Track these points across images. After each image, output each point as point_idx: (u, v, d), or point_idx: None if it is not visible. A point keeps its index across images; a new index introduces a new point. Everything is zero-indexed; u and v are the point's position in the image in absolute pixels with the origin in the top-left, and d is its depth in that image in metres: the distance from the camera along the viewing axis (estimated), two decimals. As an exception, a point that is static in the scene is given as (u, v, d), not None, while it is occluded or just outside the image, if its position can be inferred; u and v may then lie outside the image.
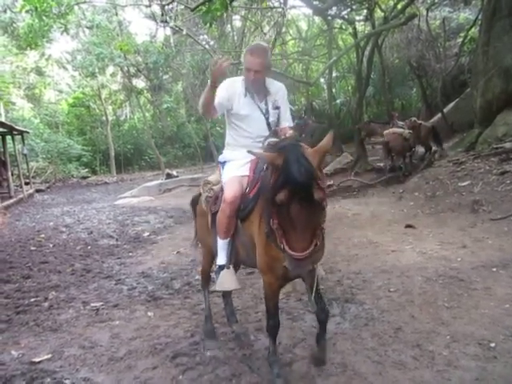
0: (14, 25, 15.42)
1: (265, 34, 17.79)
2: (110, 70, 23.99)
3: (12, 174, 14.64)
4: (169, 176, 16.15)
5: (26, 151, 16.19)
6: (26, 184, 15.63)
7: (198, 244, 3.62)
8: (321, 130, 18.12)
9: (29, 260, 6.12)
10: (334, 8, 10.26)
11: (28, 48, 13.08)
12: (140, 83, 24.95)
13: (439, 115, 15.05)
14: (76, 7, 10.10)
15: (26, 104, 27.93)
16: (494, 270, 4.22)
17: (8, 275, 5.32)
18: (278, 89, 2.91)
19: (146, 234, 7.73)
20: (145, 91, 24.36)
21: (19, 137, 16.10)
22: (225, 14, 7.22)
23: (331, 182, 11.69)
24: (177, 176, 16.29)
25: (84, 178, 21.95)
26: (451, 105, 15.66)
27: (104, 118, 24.03)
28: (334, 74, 18.92)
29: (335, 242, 6.04)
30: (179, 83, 23.77)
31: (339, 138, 16.90)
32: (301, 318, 3.53)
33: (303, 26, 21.57)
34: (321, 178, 1.85)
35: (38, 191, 16.20)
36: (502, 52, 9.38)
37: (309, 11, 17.14)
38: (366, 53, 13.06)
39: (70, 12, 8.31)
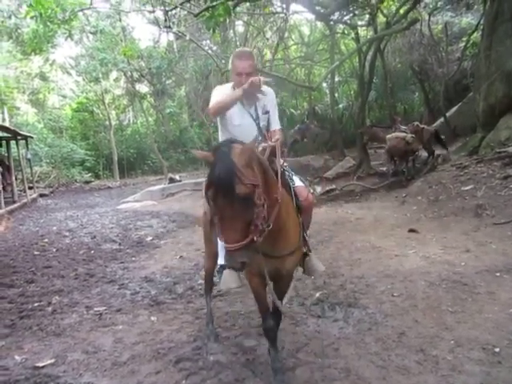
0: (19, 31, 15.56)
1: (267, 39, 17.90)
2: (114, 75, 24.12)
3: (16, 179, 14.69)
4: (172, 180, 16.15)
5: (29, 156, 16.29)
6: (30, 188, 15.69)
7: None
8: (323, 135, 18.23)
9: (32, 264, 6.13)
10: (337, 13, 10.31)
11: (32, 53, 13.20)
12: (143, 88, 25.05)
13: (442, 119, 15.06)
14: (80, 13, 10.17)
15: (30, 109, 28.11)
16: (498, 274, 4.21)
17: (11, 280, 5.33)
18: (269, 94, 2.93)
19: (149, 238, 7.74)
20: (148, 96, 24.45)
21: (23, 142, 16.20)
22: (227, 20, 7.26)
23: (333, 187, 11.70)
24: (180, 180, 16.29)
25: (87, 182, 22.01)
26: (454, 109, 15.66)
27: (107, 122, 24.11)
28: (336, 79, 18.97)
29: (338, 246, 6.04)
30: (182, 88, 23.87)
31: (341, 143, 16.94)
32: (304, 323, 3.53)
33: (305, 31, 21.66)
34: (245, 174, 1.92)
35: (41, 196, 16.24)
36: (504, 56, 9.40)
37: (311, 16, 17.25)
38: (369, 57, 13.10)
39: (74, 18, 8.38)
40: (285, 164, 2.77)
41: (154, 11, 10.20)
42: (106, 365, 3.02)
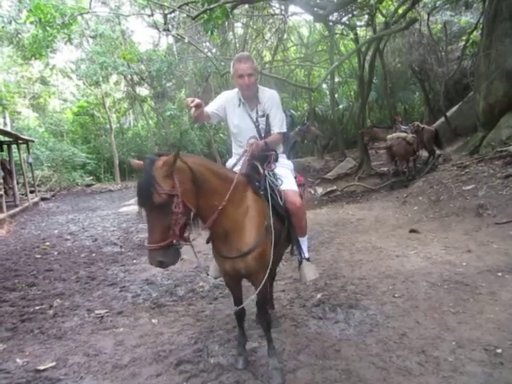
0: (19, 36, 15.59)
1: (266, 40, 17.92)
2: (114, 78, 24.15)
3: (17, 183, 14.72)
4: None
5: (31, 160, 16.31)
6: (31, 192, 15.70)
7: None
8: (323, 136, 18.22)
9: (34, 268, 6.14)
10: (335, 14, 10.32)
11: (33, 58, 13.20)
12: (143, 91, 25.10)
13: (442, 119, 15.05)
14: (80, 17, 10.19)
15: (31, 113, 28.19)
16: (500, 274, 4.20)
17: (13, 283, 5.33)
18: (268, 96, 2.98)
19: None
20: (148, 99, 24.49)
21: (24, 146, 16.23)
22: (226, 22, 7.28)
23: (334, 187, 11.70)
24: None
25: (88, 185, 22.04)
26: (454, 108, 15.66)
27: (108, 126, 24.16)
28: (336, 80, 18.98)
29: (339, 247, 6.04)
30: (182, 90, 23.87)
31: (342, 143, 16.94)
32: (305, 325, 3.52)
33: (305, 32, 21.67)
34: (161, 185, 2.08)
35: (43, 199, 16.27)
36: (504, 55, 9.39)
37: (310, 17, 17.25)
38: (368, 58, 13.11)
39: (73, 22, 8.40)
40: (272, 168, 2.89)
41: (152, 14, 10.22)
42: (107, 368, 3.02)
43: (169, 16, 9.19)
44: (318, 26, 18.74)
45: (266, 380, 2.72)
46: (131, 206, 12.92)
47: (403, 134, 10.67)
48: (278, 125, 2.99)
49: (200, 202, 2.31)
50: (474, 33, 14.15)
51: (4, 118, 26.80)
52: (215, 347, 3.21)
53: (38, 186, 18.24)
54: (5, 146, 15.03)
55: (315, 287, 4.40)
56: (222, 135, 22.67)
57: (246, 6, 11.33)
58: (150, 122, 25.23)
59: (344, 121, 20.07)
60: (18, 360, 3.20)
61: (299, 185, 3.24)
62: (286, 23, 16.32)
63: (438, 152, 11.37)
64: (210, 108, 2.95)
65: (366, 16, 12.18)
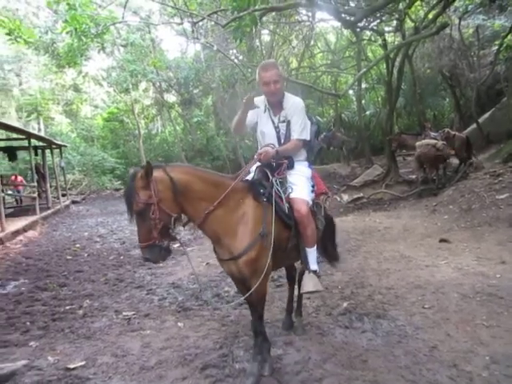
0: (55, 45, 16.24)
1: (293, 47, 17.96)
2: (143, 85, 24.75)
3: (50, 186, 15.24)
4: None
5: (63, 164, 16.89)
6: (63, 195, 16.23)
7: None
8: (349, 142, 18.03)
9: (65, 269, 6.33)
10: (363, 20, 10.22)
11: (67, 66, 13.70)
12: (171, 98, 25.59)
13: (474, 125, 14.63)
14: (112, 27, 10.52)
15: (63, 119, 29.21)
16: (536, 287, 4.03)
17: (45, 283, 5.51)
18: (291, 103, 2.99)
19: (176, 245, 7.82)
20: (176, 105, 24.93)
21: (57, 150, 16.82)
22: (254, 29, 7.34)
23: (361, 195, 11.54)
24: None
25: (117, 189, 22.53)
26: (487, 115, 15.19)
27: (136, 131, 24.70)
28: (363, 86, 18.78)
29: (366, 255, 5.94)
30: (209, 97, 24.20)
31: (369, 150, 16.72)
32: (331, 333, 3.47)
33: (332, 38, 21.60)
34: (139, 195, 2.37)
35: (73, 202, 16.77)
36: (540, 60, 9.06)
37: (337, 24, 17.19)
38: (396, 63, 12.92)
39: (106, 32, 8.69)
40: (283, 175, 2.91)
41: (182, 23, 10.41)
42: (134, 369, 3.07)
43: (197, 24, 9.33)
44: (345, 32, 18.63)
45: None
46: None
47: (433, 141, 10.41)
48: (298, 131, 2.97)
49: (187, 208, 2.55)
50: (509, 37, 13.72)
51: (38, 123, 27.88)
52: (240, 353, 3.21)
53: (69, 189, 18.83)
54: (39, 151, 15.61)
55: (341, 295, 4.34)
56: (247, 141, 22.78)
57: (274, 13, 11.39)
58: (177, 127, 25.63)
59: (371, 127, 19.81)
60: (49, 358, 3.30)
61: (321, 193, 3.19)
62: (313, 30, 16.35)
63: (473, 159, 11.01)
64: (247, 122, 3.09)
65: (395, 21, 12.03)
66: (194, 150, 24.60)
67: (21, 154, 17.24)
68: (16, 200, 15.36)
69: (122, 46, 20.17)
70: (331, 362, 2.99)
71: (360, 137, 18.14)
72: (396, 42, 15.14)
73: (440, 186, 10.27)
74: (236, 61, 14.99)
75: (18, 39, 8.82)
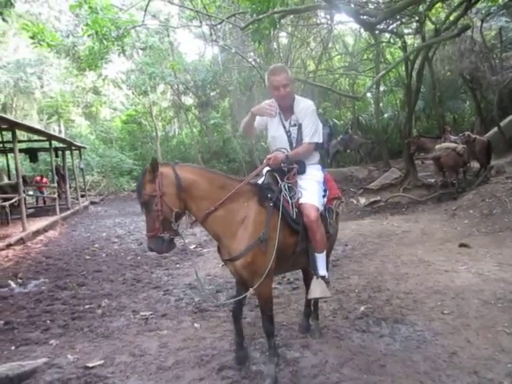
0: (76, 48, 16.61)
1: (311, 49, 17.93)
2: (161, 88, 25.06)
3: (69, 187, 15.54)
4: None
5: (82, 165, 17.20)
6: (82, 196, 16.53)
7: None
8: (366, 145, 17.89)
9: (84, 268, 6.44)
10: (383, 22, 10.13)
11: (87, 69, 13.98)
12: (188, 100, 25.83)
13: (495, 129, 14.33)
14: (131, 30, 10.69)
15: (83, 121, 29.79)
16: (561, 294, 3.91)
17: (65, 282, 5.62)
18: (302, 107, 2.95)
19: (193, 246, 7.89)
20: (193, 108, 25.15)
21: (77, 152, 17.15)
22: (272, 32, 7.36)
23: (378, 198, 11.41)
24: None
25: (134, 191, 22.80)
26: (508, 118, 14.86)
27: (154, 133, 24.99)
28: (381, 88, 18.60)
29: (383, 259, 5.87)
30: (226, 99, 24.35)
31: (387, 153, 16.54)
32: (348, 337, 3.44)
33: (350, 40, 21.48)
34: (146, 188, 2.60)
35: (92, 203, 17.05)
36: None
37: (356, 26, 17.10)
38: (416, 66, 12.76)
39: (127, 35, 8.84)
40: (292, 180, 2.89)
41: (200, 26, 10.51)
42: (152, 368, 3.10)
43: (216, 27, 9.40)
44: (364, 34, 18.52)
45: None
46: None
47: (453, 145, 10.24)
48: (309, 135, 2.93)
49: (190, 205, 2.67)
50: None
51: (59, 125, 28.49)
52: (257, 354, 3.20)
53: (88, 190, 19.16)
54: (59, 152, 15.94)
55: (358, 299, 4.29)
56: (263, 144, 22.80)
57: (292, 15, 11.40)
58: (194, 130, 25.84)
59: (389, 130, 19.60)
60: (69, 356, 3.36)
61: (334, 198, 3.14)
62: (331, 32, 16.30)
63: (491, 164, 10.79)
64: (256, 125, 3.13)
65: (415, 23, 11.89)
66: (210, 152, 24.76)
67: (41, 156, 17.66)
68: (36, 200, 15.65)
69: (141, 49, 20.46)
70: (348, 366, 2.96)
71: (377, 140, 17.97)
72: (416, 45, 14.96)
73: (460, 190, 10.08)
74: (253, 63, 15.04)
75: (41, 42, 9.03)
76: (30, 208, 13.26)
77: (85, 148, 18.39)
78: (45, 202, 15.12)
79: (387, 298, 4.27)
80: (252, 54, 18.56)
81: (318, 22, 14.88)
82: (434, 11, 12.25)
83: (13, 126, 9.73)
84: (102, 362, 3.23)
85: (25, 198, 10.68)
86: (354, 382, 2.75)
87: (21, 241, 8.47)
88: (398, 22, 11.64)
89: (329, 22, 14.88)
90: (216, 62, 20.33)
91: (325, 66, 18.86)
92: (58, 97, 26.84)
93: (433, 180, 11.62)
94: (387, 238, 7.39)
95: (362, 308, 4.01)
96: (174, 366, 3.11)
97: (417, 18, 10.26)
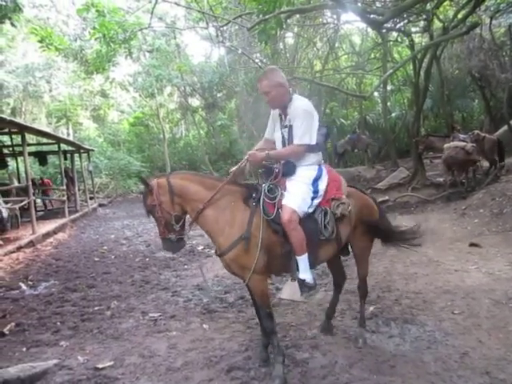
0: (83, 52, 16.75)
1: (318, 49, 17.89)
2: (168, 90, 25.17)
3: (78, 190, 15.65)
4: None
5: (91, 168, 17.32)
6: (91, 199, 16.65)
7: None
8: (374, 144, 17.78)
9: (93, 270, 6.48)
10: (390, 21, 10.06)
11: (95, 72, 14.10)
12: (195, 102, 25.92)
13: (505, 127, 14.15)
14: (138, 33, 10.76)
15: (91, 124, 30.01)
16: None
17: (75, 284, 5.66)
18: (296, 107, 2.93)
19: (201, 247, 7.91)
20: (199, 109, 25.23)
21: (85, 154, 17.28)
22: (278, 32, 7.35)
23: (386, 198, 11.33)
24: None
25: (142, 193, 22.92)
26: (519, 116, 14.66)
27: (161, 135, 25.09)
28: (388, 87, 18.49)
29: (392, 259, 5.83)
30: (233, 101, 24.38)
31: (394, 153, 16.43)
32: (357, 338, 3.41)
33: (357, 40, 21.39)
34: (147, 198, 2.94)
35: (100, 205, 17.16)
36: None
37: (362, 25, 17.02)
38: (424, 64, 12.66)
39: (134, 37, 8.90)
40: (272, 182, 2.93)
41: (207, 27, 10.54)
42: (161, 370, 3.10)
43: (222, 28, 9.41)
44: (371, 33, 18.43)
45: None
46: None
47: (462, 144, 10.12)
48: (298, 136, 2.89)
49: (186, 207, 2.92)
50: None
51: (67, 128, 28.77)
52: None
53: (96, 192, 19.28)
54: (68, 155, 16.06)
55: (367, 299, 4.22)
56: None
57: (298, 15, 11.38)
58: (201, 131, 25.91)
59: (396, 129, 19.48)
60: (79, 357, 3.38)
61: (332, 199, 2.98)
62: (337, 32, 16.24)
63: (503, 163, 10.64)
64: (267, 134, 3.26)
65: (422, 22, 11.80)
66: (217, 153, 24.82)
67: (51, 159, 17.81)
68: (44, 203, 15.61)
69: (147, 51, 20.58)
70: (358, 366, 2.95)
71: (385, 139, 17.86)
72: (423, 43, 14.85)
73: (469, 189, 9.97)
74: (260, 64, 15.03)
75: (50, 46, 9.12)
76: (39, 211, 13.36)
77: (93, 150, 18.52)
78: (52, 205, 15.10)
79: (396, 298, 4.24)
80: (258, 54, 18.57)
81: (325, 21, 14.83)
82: (441, 9, 12.12)
83: (22, 129, 9.83)
84: (111, 363, 3.24)
85: (34, 201, 10.78)
86: (363, 383, 2.73)
87: (31, 243, 8.55)
88: (406, 21, 11.55)
89: (335, 22, 14.83)
90: (222, 64, 20.36)
91: (331, 66, 18.78)
92: (67, 100, 27.10)
93: (442, 179, 11.51)
94: (396, 237, 7.32)
95: (371, 308, 3.99)
96: (183, 367, 3.11)
97: (424, 16, 10.17)
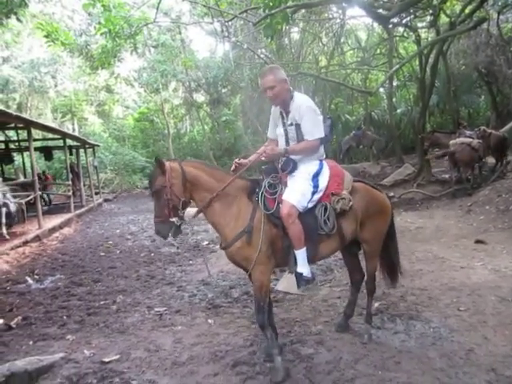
0: (88, 47, 16.76)
1: (323, 44, 17.79)
2: (173, 85, 25.15)
3: (84, 185, 15.70)
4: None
5: (96, 163, 17.36)
6: (96, 194, 16.70)
7: None
8: (379, 141, 17.70)
9: (98, 265, 6.51)
10: (397, 16, 9.98)
11: (100, 68, 14.09)
12: (200, 97, 25.89)
13: (511, 123, 14.03)
14: (143, 28, 10.74)
15: (96, 119, 30.07)
16: None
17: (80, 279, 5.70)
18: (299, 105, 2.95)
19: (205, 242, 7.93)
20: (204, 105, 25.21)
21: (90, 150, 17.33)
22: (284, 27, 7.33)
23: (391, 194, 11.29)
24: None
25: (147, 188, 22.89)
26: (526, 112, 14.55)
27: (166, 131, 25.08)
28: (394, 83, 18.37)
29: (397, 256, 5.81)
30: (237, 96, 24.33)
31: (400, 149, 16.36)
32: (362, 334, 3.41)
33: (362, 35, 21.25)
34: (157, 179, 2.88)
35: (106, 201, 17.19)
36: None
37: (368, 20, 16.91)
38: (430, 60, 12.56)
39: (139, 33, 8.88)
40: (273, 178, 2.98)
41: (212, 22, 10.50)
42: (167, 364, 3.12)
43: (227, 23, 9.38)
44: (377, 28, 18.30)
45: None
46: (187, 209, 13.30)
47: (468, 140, 10.06)
48: (310, 133, 2.93)
49: (194, 195, 2.95)
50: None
51: (73, 124, 28.83)
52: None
53: (101, 187, 19.34)
54: (73, 151, 16.11)
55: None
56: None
57: (304, 10, 11.31)
58: (206, 127, 25.89)
59: (402, 126, 19.38)
60: (85, 351, 3.40)
61: (332, 194, 2.99)
62: (343, 27, 16.14)
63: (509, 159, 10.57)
64: (270, 134, 3.29)
65: (429, 17, 11.70)
66: (221, 148, 24.78)
67: (56, 154, 17.86)
68: (44, 200, 15.29)
69: (152, 46, 20.56)
70: (363, 362, 2.95)
71: (390, 135, 17.77)
72: (430, 38, 14.73)
73: (475, 185, 9.92)
74: (265, 59, 14.96)
75: (55, 41, 9.12)
76: (45, 206, 13.42)
77: (98, 146, 18.56)
78: (50, 201, 14.77)
79: (402, 295, 4.24)
80: (263, 50, 18.50)
81: (331, 16, 14.75)
82: (448, 4, 12.03)
83: (28, 124, 9.87)
84: (117, 357, 3.26)
85: (41, 196, 10.84)
86: (368, 379, 2.73)
87: (37, 238, 8.60)
88: (412, 16, 11.46)
89: (341, 17, 14.74)
90: (227, 59, 20.30)
91: (337, 61, 18.71)
92: (72, 95, 27.15)
93: (447, 176, 11.46)
94: (401, 234, 7.26)
95: (376, 304, 3.99)
96: (189, 362, 3.13)
97: (431, 11, 10.10)
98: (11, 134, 14.66)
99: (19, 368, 2.95)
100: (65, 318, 4.25)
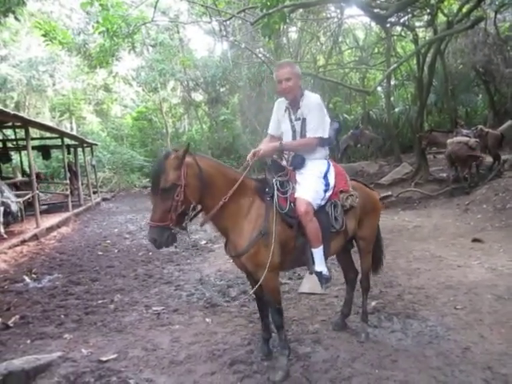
0: (87, 46, 16.72)
1: (321, 44, 17.79)
2: (171, 84, 25.10)
3: (82, 184, 15.68)
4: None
5: (94, 162, 17.34)
6: (94, 193, 16.67)
7: None
8: (377, 140, 17.72)
9: (96, 264, 6.51)
10: (394, 15, 9.99)
11: (98, 66, 14.07)
12: (198, 96, 25.86)
13: (509, 122, 14.07)
14: (141, 27, 10.72)
15: (94, 118, 30.01)
16: None
17: (78, 278, 5.70)
18: (307, 101, 2.95)
19: (203, 242, 7.93)
20: (203, 104, 25.18)
21: (89, 149, 17.31)
22: (281, 27, 7.33)
23: (389, 193, 11.32)
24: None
25: (145, 187, 22.92)
26: (523, 111, 14.59)
27: (164, 130, 25.06)
28: (392, 82, 18.39)
29: (394, 254, 5.83)
30: (236, 95, 24.30)
31: (398, 148, 16.38)
32: (359, 332, 3.43)
33: (360, 34, 21.25)
34: (169, 175, 2.46)
35: (104, 200, 17.18)
36: None
37: (366, 20, 16.91)
38: (428, 59, 12.58)
39: (137, 32, 8.87)
40: (281, 176, 2.90)
41: (210, 22, 10.49)
42: (164, 363, 3.13)
43: (225, 23, 9.36)
44: (375, 27, 18.31)
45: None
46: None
47: (465, 139, 10.08)
48: (313, 129, 2.92)
49: (206, 198, 2.64)
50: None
51: (71, 123, 28.78)
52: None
53: (99, 187, 19.31)
54: (71, 150, 16.09)
55: (369, 294, 4.22)
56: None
57: (301, 10, 11.31)
58: (204, 126, 25.87)
59: (400, 125, 19.40)
60: (83, 350, 3.41)
61: (341, 191, 3.02)
62: (341, 26, 16.14)
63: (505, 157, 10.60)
64: (272, 130, 3.20)
65: (427, 16, 11.72)
66: (220, 148, 24.77)
67: (54, 153, 17.83)
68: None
69: (151, 45, 20.52)
70: (360, 361, 2.97)
71: (388, 134, 17.79)
72: (427, 38, 14.75)
73: (473, 184, 9.95)
74: (263, 58, 14.97)
75: (53, 40, 9.10)
76: (42, 205, 13.40)
77: (96, 145, 18.53)
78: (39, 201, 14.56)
79: (399, 294, 4.26)
80: (261, 49, 18.48)
81: (328, 15, 14.75)
82: (446, 3, 12.04)
83: (26, 123, 9.84)
84: (115, 356, 3.27)
85: (38, 195, 10.81)
86: (365, 377, 2.75)
87: (35, 237, 8.59)
88: (410, 15, 11.47)
89: (339, 16, 14.75)
90: (225, 58, 20.29)
91: (335, 61, 18.69)
92: (70, 94, 27.07)
93: (445, 175, 11.49)
94: (398, 233, 7.34)
95: (373, 303, 4.01)
96: (186, 361, 3.14)
97: (428, 11, 10.12)
98: (9, 132, 14.65)
99: (17, 367, 2.96)
100: (62, 316, 4.25)
